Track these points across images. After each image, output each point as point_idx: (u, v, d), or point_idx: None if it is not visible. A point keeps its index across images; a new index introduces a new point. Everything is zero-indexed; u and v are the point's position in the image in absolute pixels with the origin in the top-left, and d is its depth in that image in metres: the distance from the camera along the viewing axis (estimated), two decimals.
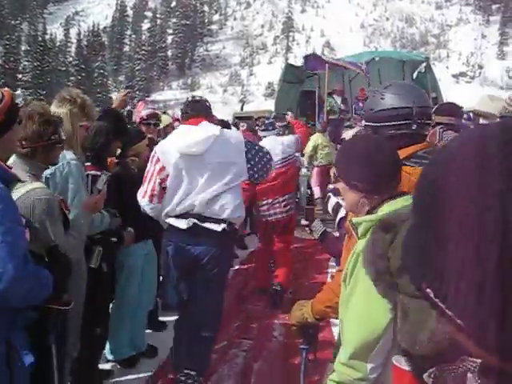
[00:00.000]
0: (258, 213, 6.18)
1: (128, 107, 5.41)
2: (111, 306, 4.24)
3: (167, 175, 3.61)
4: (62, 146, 2.93)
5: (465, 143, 0.67)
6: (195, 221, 3.59)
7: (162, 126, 5.78)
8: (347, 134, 5.33)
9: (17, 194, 2.51)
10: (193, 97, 4.12)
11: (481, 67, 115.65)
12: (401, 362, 1.18)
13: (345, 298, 1.96)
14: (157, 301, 5.20)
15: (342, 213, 3.15)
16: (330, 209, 3.27)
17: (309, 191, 11.38)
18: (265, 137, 6.38)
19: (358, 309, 1.85)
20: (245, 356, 4.76)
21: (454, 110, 4.69)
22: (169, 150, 3.62)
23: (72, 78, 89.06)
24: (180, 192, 3.60)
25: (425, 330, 0.98)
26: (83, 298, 3.25)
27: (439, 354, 0.94)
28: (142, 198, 3.67)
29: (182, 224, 3.61)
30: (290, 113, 9.48)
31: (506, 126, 0.66)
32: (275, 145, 5.97)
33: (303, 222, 3.02)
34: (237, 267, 7.51)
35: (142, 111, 5.27)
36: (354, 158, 2.08)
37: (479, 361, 0.77)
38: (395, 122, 2.37)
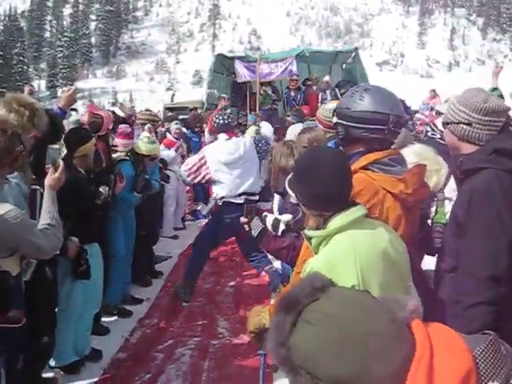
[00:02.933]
0: None
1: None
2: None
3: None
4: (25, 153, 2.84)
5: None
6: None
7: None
8: (294, 130, 5.49)
9: None
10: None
11: (402, 56, 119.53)
12: None
13: None
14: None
15: (281, 227, 3.28)
16: (269, 227, 3.33)
17: None
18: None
19: None
20: (191, 354, 4.74)
21: None
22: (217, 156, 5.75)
23: None
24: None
25: None
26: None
27: None
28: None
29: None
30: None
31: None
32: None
33: (242, 219, 3.07)
34: (174, 264, 7.46)
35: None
36: (295, 172, 2.18)
37: None
38: (370, 126, 2.35)
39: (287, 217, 3.40)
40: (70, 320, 4.18)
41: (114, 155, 5.60)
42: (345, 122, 2.43)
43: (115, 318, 5.48)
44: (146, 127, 7.28)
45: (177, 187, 8.72)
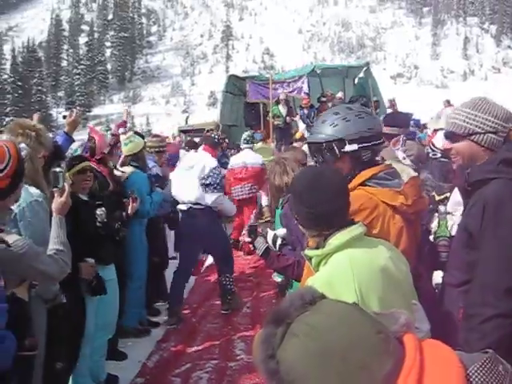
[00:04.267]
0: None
1: None
2: None
3: None
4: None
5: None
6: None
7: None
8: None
9: None
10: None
11: (416, 68, 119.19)
12: None
13: None
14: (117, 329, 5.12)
15: (279, 241, 3.43)
16: (270, 242, 3.42)
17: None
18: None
19: None
20: (209, 378, 4.73)
21: (398, 120, 4.82)
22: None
23: (8, 96, 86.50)
24: None
25: None
26: (44, 337, 3.16)
27: None
28: None
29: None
30: None
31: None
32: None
33: (246, 239, 3.16)
34: (190, 287, 7.45)
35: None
36: (293, 192, 2.19)
37: None
38: (369, 144, 2.43)
39: (282, 231, 3.55)
40: (86, 345, 4.20)
41: (124, 169, 5.70)
42: (371, 143, 2.45)
43: (132, 342, 5.50)
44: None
45: None
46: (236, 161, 9.55)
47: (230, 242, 7.23)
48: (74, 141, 4.81)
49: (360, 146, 2.43)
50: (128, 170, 5.68)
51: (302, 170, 2.51)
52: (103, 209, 4.45)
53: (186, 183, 6.11)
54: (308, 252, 2.15)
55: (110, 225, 4.54)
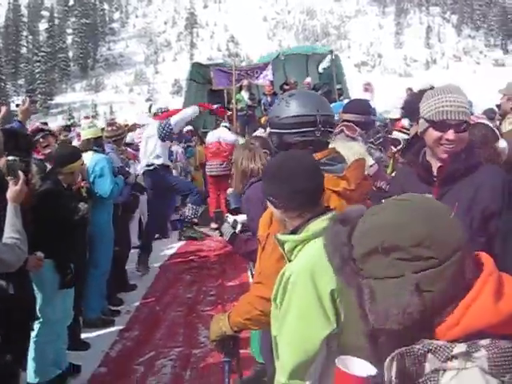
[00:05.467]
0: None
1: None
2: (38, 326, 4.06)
3: None
4: None
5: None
6: None
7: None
8: None
9: None
10: None
11: (380, 56, 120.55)
12: (346, 366, 1.29)
13: (279, 318, 1.99)
14: (79, 319, 5.05)
15: (238, 227, 3.51)
16: (224, 232, 3.46)
17: None
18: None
19: (293, 331, 1.91)
20: (173, 365, 4.71)
21: (360, 107, 4.80)
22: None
23: None
24: None
25: (397, 304, 1.07)
26: None
27: (408, 326, 1.08)
28: None
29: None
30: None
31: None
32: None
33: (213, 225, 3.17)
34: (156, 273, 7.43)
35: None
36: (269, 173, 2.13)
37: (439, 342, 1.03)
38: (300, 129, 2.43)
39: (242, 217, 3.58)
40: (51, 333, 4.15)
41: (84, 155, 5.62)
42: (277, 130, 2.50)
43: (95, 332, 5.43)
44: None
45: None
46: (211, 137, 10.31)
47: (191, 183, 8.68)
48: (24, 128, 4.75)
49: (271, 130, 2.56)
50: (89, 154, 5.61)
51: (279, 153, 2.49)
52: (86, 206, 4.48)
53: (149, 147, 7.39)
54: (282, 236, 2.05)
55: (86, 218, 4.58)
